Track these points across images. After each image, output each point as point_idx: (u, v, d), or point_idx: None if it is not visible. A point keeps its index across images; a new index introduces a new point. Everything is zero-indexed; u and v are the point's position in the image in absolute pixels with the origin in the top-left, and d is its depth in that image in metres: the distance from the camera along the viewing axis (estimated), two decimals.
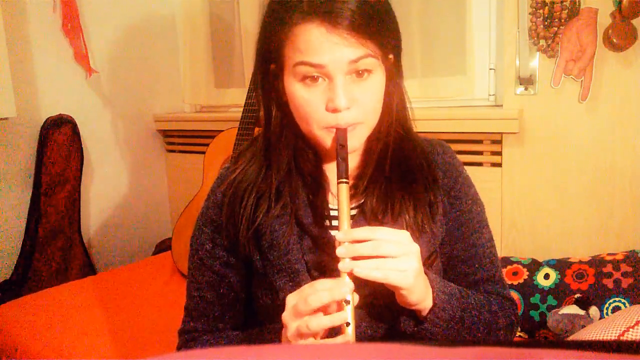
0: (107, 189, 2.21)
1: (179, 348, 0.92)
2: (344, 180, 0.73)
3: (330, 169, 0.85)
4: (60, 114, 1.96)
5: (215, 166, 1.85)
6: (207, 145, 1.89)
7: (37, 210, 1.90)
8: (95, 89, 2.13)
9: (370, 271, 0.66)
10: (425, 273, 0.74)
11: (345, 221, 0.71)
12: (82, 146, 2.01)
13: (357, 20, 0.71)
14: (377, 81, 0.77)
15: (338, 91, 0.73)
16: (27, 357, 1.40)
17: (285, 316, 0.69)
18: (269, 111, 0.83)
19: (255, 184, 0.83)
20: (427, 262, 0.83)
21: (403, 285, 0.67)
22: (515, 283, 1.34)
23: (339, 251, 0.68)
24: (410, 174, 0.83)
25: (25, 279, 1.88)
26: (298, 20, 0.72)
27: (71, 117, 1.98)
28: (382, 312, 0.79)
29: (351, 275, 0.67)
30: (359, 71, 0.74)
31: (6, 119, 1.80)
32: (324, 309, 0.67)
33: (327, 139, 0.77)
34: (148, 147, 2.37)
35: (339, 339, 0.66)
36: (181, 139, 2.38)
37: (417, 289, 0.70)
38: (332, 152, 0.77)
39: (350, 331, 0.66)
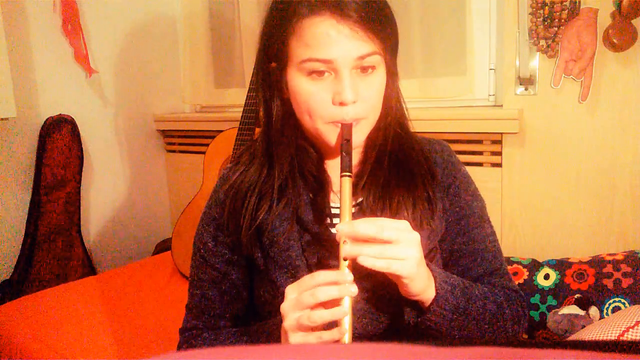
0: (107, 189, 2.21)
1: (179, 346, 0.93)
2: (347, 174, 0.74)
3: (332, 167, 0.85)
4: (60, 114, 1.96)
5: (215, 166, 1.85)
6: (207, 145, 1.89)
7: (37, 210, 1.90)
8: (95, 89, 2.13)
9: (373, 261, 0.66)
10: (427, 265, 0.74)
11: (347, 214, 0.71)
12: (82, 146, 2.01)
13: (365, 13, 0.72)
14: (379, 77, 0.78)
15: (345, 84, 0.74)
16: (27, 357, 1.40)
17: (285, 307, 0.69)
18: (269, 109, 0.83)
19: (258, 183, 0.84)
20: (427, 258, 0.83)
21: (405, 273, 0.68)
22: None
23: (340, 229, 0.68)
24: (409, 171, 0.84)
25: (25, 279, 1.88)
26: (306, 13, 0.73)
27: (71, 117, 1.97)
28: (384, 305, 0.80)
29: (350, 266, 0.68)
30: (363, 67, 0.75)
31: (6, 119, 1.80)
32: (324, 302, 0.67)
33: (331, 135, 0.78)
34: (148, 147, 2.37)
35: (335, 332, 0.66)
36: (181, 139, 2.38)
37: (419, 278, 0.70)
38: (335, 149, 0.78)
39: (346, 323, 0.66)
